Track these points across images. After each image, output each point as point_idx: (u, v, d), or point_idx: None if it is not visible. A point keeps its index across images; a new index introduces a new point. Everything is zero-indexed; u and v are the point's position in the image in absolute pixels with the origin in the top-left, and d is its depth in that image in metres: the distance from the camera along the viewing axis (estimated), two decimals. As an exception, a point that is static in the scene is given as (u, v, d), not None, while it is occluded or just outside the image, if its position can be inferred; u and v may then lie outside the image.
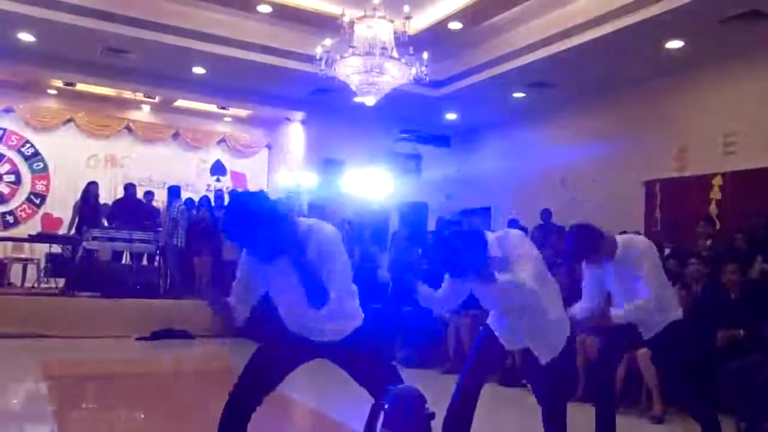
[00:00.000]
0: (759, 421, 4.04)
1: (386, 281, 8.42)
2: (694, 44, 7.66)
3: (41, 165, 11.95)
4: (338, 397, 5.33)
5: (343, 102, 9.33)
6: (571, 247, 3.43)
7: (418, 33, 8.45)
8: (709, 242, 6.62)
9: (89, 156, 12.27)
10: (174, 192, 10.12)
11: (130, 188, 10.46)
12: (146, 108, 12.62)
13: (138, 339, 8.26)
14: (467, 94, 10.08)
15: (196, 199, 10.96)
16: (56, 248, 9.92)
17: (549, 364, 2.92)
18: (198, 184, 12.88)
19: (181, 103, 12.27)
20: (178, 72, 9.96)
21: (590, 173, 9.54)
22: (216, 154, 13.33)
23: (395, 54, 7.34)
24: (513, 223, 9.37)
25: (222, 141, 13.33)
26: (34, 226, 11.25)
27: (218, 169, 13.31)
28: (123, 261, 10.04)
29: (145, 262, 10.19)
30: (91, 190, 10.05)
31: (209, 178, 13.19)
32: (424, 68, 7.48)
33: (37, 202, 11.90)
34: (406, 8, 7.32)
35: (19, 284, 10.30)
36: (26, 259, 10.65)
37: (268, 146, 13.42)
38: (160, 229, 9.77)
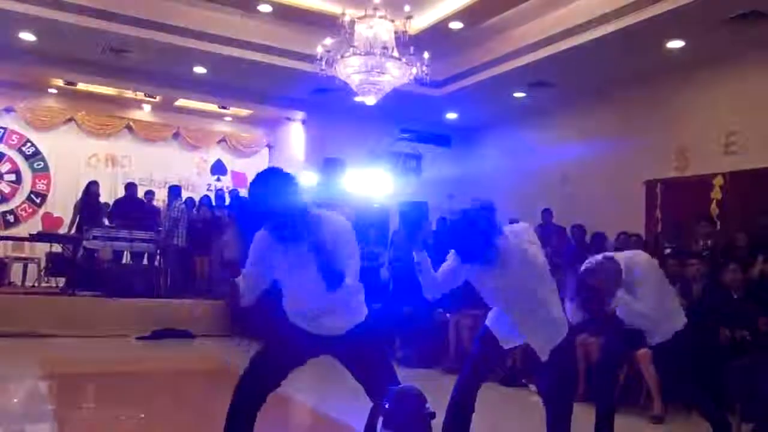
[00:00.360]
0: (763, 420, 4.04)
1: (387, 280, 8.43)
2: (695, 44, 7.66)
3: (42, 164, 11.96)
4: (338, 397, 5.34)
5: (344, 102, 9.33)
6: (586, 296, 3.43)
7: (419, 33, 8.45)
8: (709, 242, 6.62)
9: (90, 155, 12.28)
10: (174, 191, 10.13)
11: (130, 187, 10.47)
12: (147, 107, 12.62)
13: (138, 338, 8.26)
14: (468, 93, 10.08)
15: (197, 198, 10.97)
16: (57, 247, 9.92)
17: (549, 360, 2.92)
18: (198, 184, 12.89)
19: (181, 102, 12.28)
20: (178, 71, 9.96)
21: (591, 173, 9.53)
22: (216, 153, 13.33)
23: (396, 54, 7.34)
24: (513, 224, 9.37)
25: (222, 140, 13.33)
26: (34, 226, 11.25)
27: (219, 168, 13.31)
28: (123, 260, 10.04)
29: (145, 261, 10.19)
30: (91, 190, 10.06)
31: (210, 178, 13.19)
32: (424, 68, 7.48)
33: (38, 201, 11.91)
34: (407, 8, 7.32)
35: (19, 283, 10.31)
36: (27, 259, 10.66)
37: (269, 146, 13.42)
38: (160, 228, 9.77)
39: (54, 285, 9.97)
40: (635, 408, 5.01)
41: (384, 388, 2.47)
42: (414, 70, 7.46)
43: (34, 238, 10.09)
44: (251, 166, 13.42)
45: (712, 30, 7.21)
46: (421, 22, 8.52)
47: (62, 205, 11.49)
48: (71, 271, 9.46)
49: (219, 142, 13.32)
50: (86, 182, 10.31)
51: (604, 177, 9.32)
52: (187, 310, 8.96)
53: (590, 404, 3.79)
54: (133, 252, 9.87)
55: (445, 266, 3.04)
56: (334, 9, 7.87)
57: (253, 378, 2.70)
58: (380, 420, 2.32)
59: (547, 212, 9.22)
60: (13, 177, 11.75)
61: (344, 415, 4.66)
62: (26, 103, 11.71)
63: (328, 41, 7.40)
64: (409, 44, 7.37)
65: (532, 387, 5.71)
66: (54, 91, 11.79)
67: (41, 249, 10.46)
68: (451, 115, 11.62)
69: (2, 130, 11.69)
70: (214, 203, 10.66)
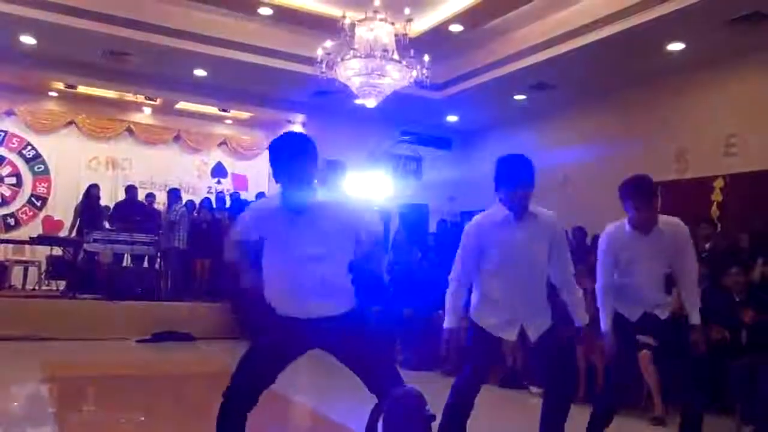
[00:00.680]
0: (763, 422, 4.04)
1: (387, 283, 8.42)
2: (695, 46, 7.66)
3: (42, 167, 11.96)
4: (338, 399, 5.34)
5: (344, 104, 9.35)
6: None
7: (419, 35, 8.46)
8: (708, 244, 6.62)
9: (90, 158, 12.28)
10: (174, 195, 10.13)
11: (131, 190, 10.47)
12: (147, 110, 12.63)
13: (139, 341, 8.26)
14: (468, 96, 10.09)
15: (198, 201, 10.97)
16: (57, 250, 9.92)
17: (540, 341, 3.07)
18: (199, 187, 12.89)
19: (182, 105, 12.28)
20: (179, 74, 9.98)
21: (591, 175, 9.53)
22: (217, 156, 13.34)
23: (396, 56, 7.35)
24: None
25: (223, 143, 13.34)
26: (35, 229, 11.25)
27: (219, 171, 13.32)
28: (124, 263, 10.04)
29: (146, 264, 10.19)
30: (92, 193, 10.06)
31: (210, 181, 13.20)
32: (424, 70, 7.49)
33: (38, 204, 11.91)
34: (407, 10, 7.33)
35: (20, 287, 10.31)
36: (27, 262, 10.66)
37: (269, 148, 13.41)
38: (161, 231, 9.77)
39: (54, 288, 9.97)
40: (636, 409, 5.01)
41: (385, 386, 2.46)
42: (414, 73, 7.47)
43: (34, 241, 10.09)
44: (252, 169, 13.46)
45: (713, 32, 7.22)
46: (421, 24, 8.53)
47: (63, 208, 11.50)
48: (72, 274, 9.47)
49: (219, 144, 13.33)
50: (87, 185, 10.32)
51: (604, 179, 9.27)
52: (187, 312, 8.96)
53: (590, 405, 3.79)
54: (133, 255, 9.88)
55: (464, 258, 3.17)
56: (335, 12, 7.88)
57: (243, 377, 2.66)
58: (380, 422, 2.32)
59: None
60: (13, 180, 11.75)
61: (344, 416, 4.66)
62: (27, 106, 11.72)
63: (329, 44, 7.41)
64: (409, 47, 7.38)
65: (533, 389, 5.71)
66: (54, 94, 11.80)
67: (42, 252, 10.45)
68: (452, 118, 11.63)
69: (3, 133, 11.70)
70: (214, 206, 10.66)
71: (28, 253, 10.90)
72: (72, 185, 11.64)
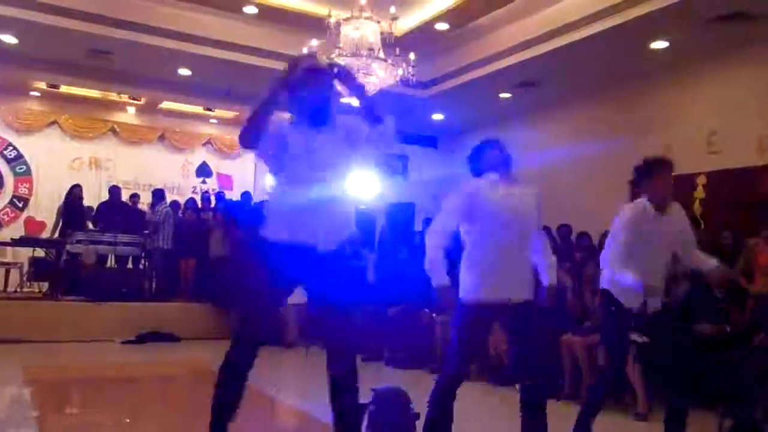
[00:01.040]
0: (744, 415, 4.07)
1: (373, 282, 8.41)
2: (678, 45, 7.73)
3: (24, 168, 11.84)
4: (323, 398, 5.32)
5: (330, 103, 9.31)
6: None
7: (405, 34, 8.46)
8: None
9: (73, 158, 12.16)
10: (158, 195, 10.06)
11: (114, 191, 10.40)
12: (131, 110, 12.53)
13: (124, 342, 8.20)
14: (454, 94, 10.10)
15: (182, 201, 10.91)
16: (40, 252, 9.82)
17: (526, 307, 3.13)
18: (184, 186, 12.81)
19: (166, 104, 12.20)
20: (163, 74, 9.90)
21: (576, 172, 9.58)
22: (202, 155, 13.27)
23: (382, 55, 7.35)
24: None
25: (208, 143, 13.27)
26: (17, 230, 11.12)
27: (204, 171, 13.24)
28: (108, 264, 9.96)
29: (130, 264, 10.12)
30: (75, 193, 9.97)
31: (195, 180, 13.12)
32: (410, 69, 7.49)
33: (20, 205, 11.78)
34: (393, 9, 7.33)
35: (1, 288, 10.19)
36: (9, 263, 10.53)
37: (255, 148, 13.35)
38: (146, 231, 9.71)
39: (37, 290, 9.87)
40: (619, 405, 5.04)
41: (343, 359, 2.48)
42: (400, 72, 7.47)
43: (16, 242, 9.98)
44: (237, 169, 13.39)
45: (696, 31, 7.28)
46: (406, 23, 8.53)
47: (45, 209, 11.37)
48: (55, 275, 9.38)
49: (204, 144, 13.25)
50: (69, 186, 10.22)
51: (589, 176, 9.38)
52: (172, 313, 8.91)
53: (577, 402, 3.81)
54: (117, 255, 9.81)
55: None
56: (320, 10, 7.87)
57: (243, 327, 2.77)
58: (365, 420, 2.31)
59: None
60: (-6, 181, 11.63)
61: (328, 415, 4.63)
62: (8, 106, 11.59)
63: (314, 42, 7.39)
64: (395, 45, 7.38)
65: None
66: (36, 93, 11.67)
67: (24, 254, 10.33)
68: (438, 116, 11.64)
69: (-16, 134, 11.57)
70: (200, 205, 10.60)
71: (10, 254, 10.77)
72: (54, 186, 11.51)
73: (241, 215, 9.40)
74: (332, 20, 7.24)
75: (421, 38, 8.71)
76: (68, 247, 9.18)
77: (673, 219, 3.49)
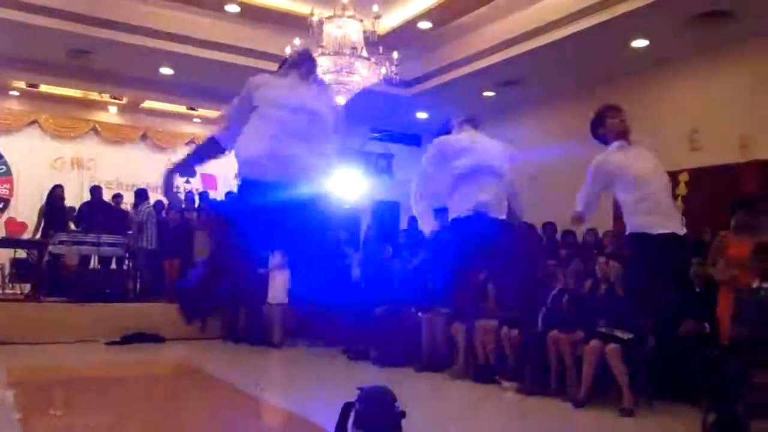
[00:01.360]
0: (727, 410, 4.13)
1: (358, 280, 8.42)
2: (658, 43, 7.81)
3: (4, 168, 11.69)
4: (308, 396, 5.32)
5: (314, 102, 9.30)
6: None
7: (388, 32, 8.46)
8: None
9: (55, 158, 12.03)
10: (141, 195, 9.98)
11: (95, 191, 10.30)
12: (113, 109, 12.42)
13: (108, 343, 8.14)
14: (437, 93, 10.12)
15: (166, 201, 10.82)
16: (21, 253, 9.70)
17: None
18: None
19: (148, 104, 12.10)
20: (145, 73, 9.83)
21: (559, 170, 9.64)
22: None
23: (365, 54, 7.35)
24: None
25: (191, 142, 13.14)
26: (-3, 231, 11.01)
27: (187, 170, 13.14)
28: (91, 265, 9.87)
29: (113, 265, 10.03)
30: (56, 194, 9.86)
31: (179, 180, 12.98)
32: (394, 68, 7.50)
33: (0, 206, 11.64)
34: (376, 8, 7.33)
35: (-17, 290, 10.07)
36: (-10, 265, 10.41)
37: (239, 147, 13.29)
38: (129, 231, 9.63)
39: (19, 291, 9.75)
40: (605, 401, 5.09)
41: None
42: (383, 70, 7.48)
43: (-3, 243, 9.88)
44: (221, 168, 13.29)
45: (675, 29, 7.36)
46: (389, 21, 8.53)
47: (26, 209, 11.22)
48: (37, 276, 9.27)
49: (187, 143, 13.13)
50: (51, 186, 10.11)
51: (573, 174, 9.38)
52: (157, 313, 8.84)
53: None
54: (100, 256, 9.72)
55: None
56: (303, 9, 7.85)
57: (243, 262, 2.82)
58: (351, 419, 2.32)
59: (517, 210, 9.29)
60: (-26, 182, 11.48)
61: (314, 414, 4.64)
62: (-13, 105, 11.46)
63: (297, 41, 7.37)
64: (378, 44, 7.38)
65: (505, 383, 5.76)
66: (16, 93, 11.53)
67: (5, 255, 10.19)
68: (422, 115, 11.66)
69: (-37, 134, 11.41)
70: (183, 205, 10.53)
71: (-9, 256, 10.65)
72: (35, 186, 11.36)
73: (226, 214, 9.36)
74: (315, 19, 7.23)
75: (405, 37, 8.72)
76: (50, 248, 9.08)
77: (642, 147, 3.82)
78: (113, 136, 12.48)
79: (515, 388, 5.59)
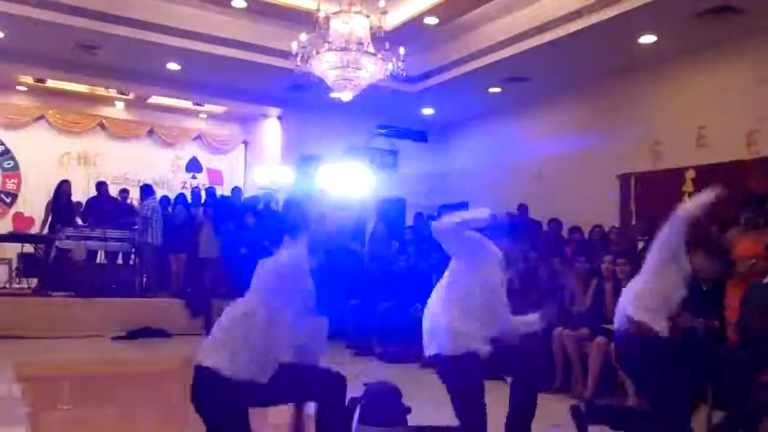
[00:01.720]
0: (734, 409, 4.11)
1: (365, 276, 8.43)
2: (666, 39, 7.76)
3: (12, 163, 11.74)
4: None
5: (320, 98, 9.29)
6: None
7: (394, 28, 8.43)
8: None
9: (62, 154, 12.09)
10: (146, 190, 10.01)
11: (101, 186, 10.33)
12: (120, 105, 12.46)
13: (114, 338, 8.18)
14: (444, 89, 10.10)
15: (172, 196, 10.86)
16: (28, 248, 9.76)
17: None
18: (174, 182, 12.77)
19: (155, 99, 12.13)
20: (152, 68, 9.84)
21: (565, 167, 9.62)
22: (192, 150, 13.21)
23: (371, 49, 7.32)
24: (492, 218, 9.40)
25: (198, 137, 13.21)
26: (5, 226, 11.05)
27: (194, 166, 13.19)
28: (98, 260, 9.91)
29: (120, 260, 10.07)
30: (63, 189, 9.89)
31: (185, 175, 13.07)
32: (400, 63, 7.47)
33: (8, 201, 11.70)
34: (382, 3, 7.30)
35: (-10, 285, 10.13)
36: (-2, 259, 10.47)
37: (245, 143, 13.31)
38: (135, 227, 9.67)
39: (26, 286, 9.81)
40: (611, 398, 5.09)
41: None
42: (390, 66, 7.45)
43: (4, 238, 9.92)
44: (227, 163, 13.36)
45: (683, 25, 7.31)
46: (396, 17, 8.51)
47: (34, 204, 11.28)
48: (44, 271, 9.32)
49: (194, 139, 13.20)
50: (58, 181, 10.15)
51: (578, 171, 9.41)
52: (162, 309, 8.88)
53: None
54: (107, 251, 9.76)
55: None
56: (309, 4, 7.83)
57: None
58: (357, 415, 2.32)
59: (523, 207, 9.28)
60: (-18, 177, 11.53)
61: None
62: (-5, 101, 11.50)
63: (304, 37, 7.35)
64: (384, 40, 7.35)
65: (509, 379, 5.74)
66: (23, 88, 11.57)
67: (12, 249, 10.27)
68: (428, 111, 11.64)
69: (-30, 129, 11.46)
70: (189, 201, 10.56)
71: (-1, 250, 10.71)
72: (43, 181, 11.42)
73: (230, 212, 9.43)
74: (321, 14, 7.20)
75: (411, 32, 8.69)
76: (57, 242, 9.12)
77: None
78: (120, 131, 12.52)
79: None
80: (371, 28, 7.29)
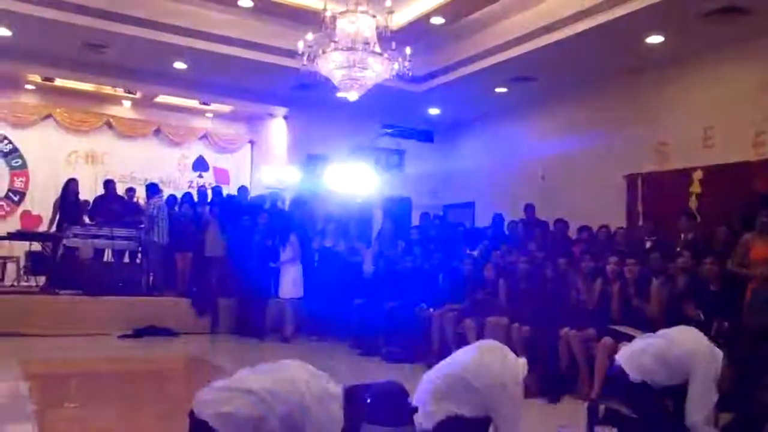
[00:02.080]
0: (741, 411, 4.09)
1: (370, 276, 8.44)
2: (673, 39, 7.73)
3: (20, 162, 11.79)
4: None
5: (326, 97, 9.30)
6: None
7: (401, 28, 8.43)
8: (690, 236, 6.70)
9: (69, 152, 12.13)
10: (151, 190, 10.03)
11: (109, 185, 10.36)
12: (127, 103, 12.50)
13: (120, 337, 8.21)
14: (450, 89, 10.09)
15: (179, 195, 10.89)
16: (36, 246, 9.80)
17: None
18: (180, 181, 12.80)
19: (162, 98, 12.16)
20: (158, 67, 9.87)
21: (572, 167, 9.60)
22: (198, 150, 13.23)
23: (378, 49, 7.32)
24: (498, 218, 9.41)
25: (204, 137, 13.23)
26: (12, 224, 11.10)
27: (200, 165, 13.22)
28: (105, 258, 9.94)
29: (127, 259, 10.10)
30: (71, 187, 9.93)
31: (191, 174, 13.10)
32: (406, 63, 7.46)
33: (16, 199, 11.75)
34: (389, 2, 7.29)
35: (-2, 282, 10.18)
36: (5, 258, 10.49)
37: (251, 142, 13.33)
38: (142, 225, 9.69)
39: (34, 284, 9.85)
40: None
41: None
42: (396, 66, 7.44)
43: (12, 236, 9.96)
44: (233, 163, 13.38)
45: (690, 25, 7.28)
46: (402, 17, 8.51)
47: (41, 203, 11.33)
48: (51, 269, 9.36)
49: (201, 138, 13.22)
50: (65, 180, 10.19)
51: (585, 171, 9.39)
52: (169, 307, 8.91)
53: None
54: (114, 250, 9.79)
55: None
56: (316, 4, 7.83)
57: None
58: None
59: (529, 207, 9.27)
60: (-11, 175, 11.58)
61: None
62: (3, 99, 11.53)
63: (310, 36, 7.35)
64: (390, 39, 7.34)
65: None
66: (31, 87, 11.62)
67: (20, 247, 10.31)
68: (434, 111, 11.63)
69: (-22, 128, 11.51)
70: (196, 200, 10.58)
71: (6, 248, 10.74)
72: (50, 180, 11.49)
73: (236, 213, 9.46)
74: (328, 14, 7.20)
75: (417, 32, 8.68)
76: (65, 241, 9.16)
77: None
78: (127, 130, 12.56)
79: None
80: (378, 28, 7.29)
